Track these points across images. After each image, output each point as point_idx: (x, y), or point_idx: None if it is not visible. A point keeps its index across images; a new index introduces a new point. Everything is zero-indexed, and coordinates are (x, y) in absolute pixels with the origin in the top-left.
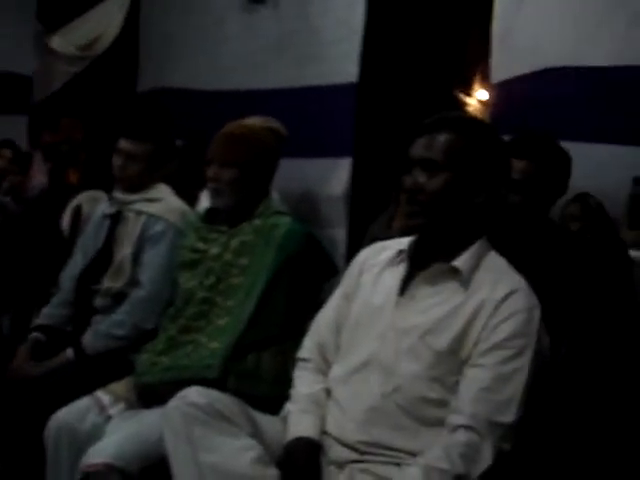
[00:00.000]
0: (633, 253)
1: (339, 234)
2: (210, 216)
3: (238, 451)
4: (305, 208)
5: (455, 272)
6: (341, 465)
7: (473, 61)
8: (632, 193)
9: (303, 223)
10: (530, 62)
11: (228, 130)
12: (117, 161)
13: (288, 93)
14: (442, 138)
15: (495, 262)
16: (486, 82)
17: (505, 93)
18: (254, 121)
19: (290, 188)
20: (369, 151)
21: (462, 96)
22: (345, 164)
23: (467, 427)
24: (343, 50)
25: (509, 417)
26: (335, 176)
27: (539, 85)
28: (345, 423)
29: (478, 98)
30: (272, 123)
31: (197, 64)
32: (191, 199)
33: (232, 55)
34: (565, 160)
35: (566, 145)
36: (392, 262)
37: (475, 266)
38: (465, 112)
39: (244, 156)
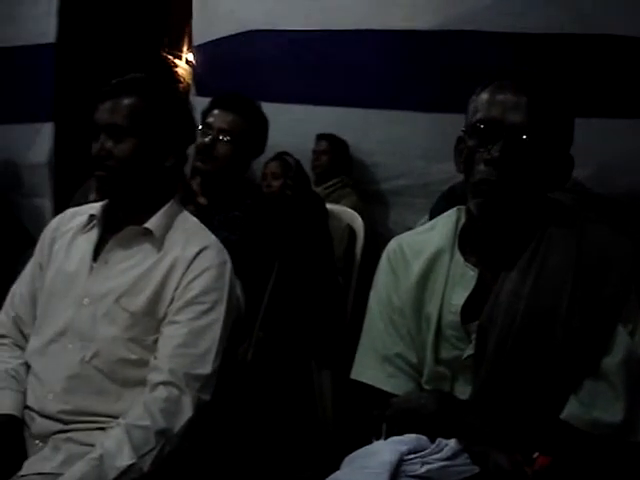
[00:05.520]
0: None
1: (45, 203)
2: None
3: None
4: (8, 177)
5: (148, 234)
6: (45, 438)
7: (181, 22)
8: (314, 149)
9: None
10: (230, 25)
11: None
12: None
13: None
14: (125, 102)
15: (187, 221)
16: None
17: (207, 55)
18: None
19: None
20: (72, 115)
21: (170, 57)
22: (47, 130)
23: (166, 383)
24: (40, 9)
25: (206, 369)
26: (37, 143)
27: (239, 48)
28: (45, 395)
29: (187, 59)
30: None
31: None
32: None
33: None
34: (264, 119)
35: (264, 106)
36: (85, 228)
37: (167, 227)
38: (169, 74)
39: None
